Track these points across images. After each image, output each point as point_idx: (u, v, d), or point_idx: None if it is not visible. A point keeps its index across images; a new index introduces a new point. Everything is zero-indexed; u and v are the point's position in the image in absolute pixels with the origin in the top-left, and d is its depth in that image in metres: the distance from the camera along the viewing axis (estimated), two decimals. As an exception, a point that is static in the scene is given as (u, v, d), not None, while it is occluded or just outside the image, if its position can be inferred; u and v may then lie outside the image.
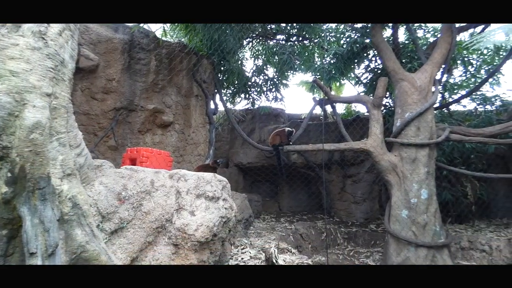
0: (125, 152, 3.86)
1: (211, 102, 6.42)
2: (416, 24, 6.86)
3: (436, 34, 6.89)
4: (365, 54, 6.78)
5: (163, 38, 5.41)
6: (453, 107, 7.09)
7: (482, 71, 6.90)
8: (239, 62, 7.40)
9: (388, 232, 4.63)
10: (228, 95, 7.92)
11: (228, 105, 8.11)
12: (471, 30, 6.19)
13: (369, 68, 7.05)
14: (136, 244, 2.58)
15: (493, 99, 6.87)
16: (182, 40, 6.08)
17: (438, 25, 6.73)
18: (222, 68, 6.88)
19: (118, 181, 2.68)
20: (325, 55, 6.72)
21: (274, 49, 7.56)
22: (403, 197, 4.56)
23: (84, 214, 2.13)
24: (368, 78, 7.06)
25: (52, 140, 1.98)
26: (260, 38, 7.70)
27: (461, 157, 6.41)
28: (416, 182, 4.52)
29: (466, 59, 6.79)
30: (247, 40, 7.49)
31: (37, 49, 1.84)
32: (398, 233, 4.46)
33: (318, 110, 8.42)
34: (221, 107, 7.10)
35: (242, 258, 3.65)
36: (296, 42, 7.89)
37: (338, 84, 8.69)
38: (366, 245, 6.21)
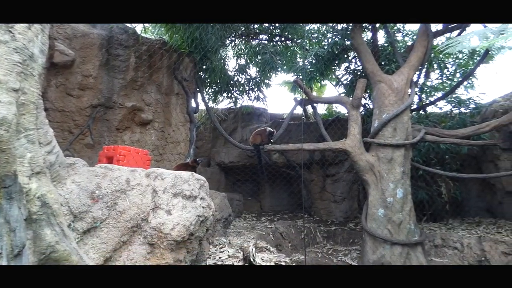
0: (101, 150, 3.78)
1: (192, 101, 6.37)
2: (394, 27, 7.05)
3: (413, 37, 7.08)
4: (345, 56, 6.90)
5: (143, 35, 5.33)
6: (430, 109, 7.32)
7: (457, 75, 7.16)
8: (222, 61, 7.38)
9: (365, 230, 4.74)
10: (210, 93, 7.89)
11: (210, 103, 8.07)
12: (447, 34, 6.41)
13: (349, 70, 7.18)
14: (110, 243, 2.53)
15: (467, 102, 7.14)
16: (163, 37, 6.00)
17: (415, 29, 6.92)
18: (204, 67, 6.84)
19: (92, 180, 2.63)
20: (307, 56, 6.80)
21: (257, 49, 7.58)
22: (379, 196, 4.68)
23: (54, 214, 2.07)
24: (348, 80, 7.20)
25: (19, 137, 1.91)
26: (243, 37, 7.71)
27: (436, 157, 6.63)
28: (392, 181, 4.65)
29: (442, 62, 7.03)
30: (229, 39, 7.47)
31: (3, 42, 1.78)
32: (374, 232, 4.57)
33: (300, 110, 8.51)
34: (202, 106, 7.06)
35: (220, 257, 3.65)
36: (278, 42, 7.94)
37: (319, 85, 8.81)
38: (344, 243, 6.32)
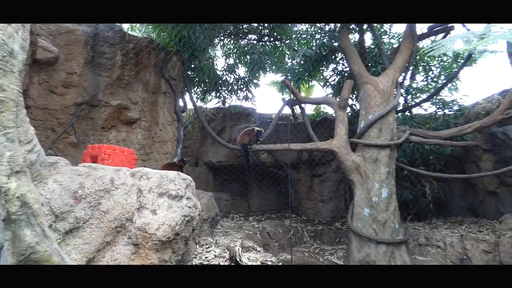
0: (85, 149, 3.71)
1: (180, 100, 6.32)
2: (381, 30, 7.15)
3: (399, 39, 7.21)
4: (333, 57, 6.96)
5: (130, 32, 5.26)
6: (415, 110, 7.47)
7: (442, 77, 7.32)
8: (210, 60, 7.35)
9: (351, 229, 4.80)
10: (199, 93, 7.84)
11: (199, 103, 8.03)
12: (432, 37, 6.54)
13: (337, 71, 7.26)
14: (92, 244, 2.49)
15: (451, 104, 7.31)
16: (151, 35, 5.93)
17: (401, 31, 7.05)
18: (192, 66, 6.79)
19: (75, 179, 2.58)
20: (295, 57, 6.84)
21: (246, 49, 7.58)
22: (365, 196, 4.74)
23: (35, 214, 2.02)
24: (336, 80, 7.27)
25: (-2, 135, 1.86)
26: (232, 37, 7.69)
27: (421, 158, 6.77)
28: (377, 181, 4.72)
29: (427, 65, 7.18)
30: (218, 38, 7.45)
31: (-19, 38, 1.73)
32: (359, 231, 4.63)
33: (289, 110, 8.55)
34: (190, 105, 7.01)
35: (206, 257, 3.63)
36: (267, 42, 7.95)
37: (307, 85, 8.86)
38: (331, 242, 6.39)
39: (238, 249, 3.51)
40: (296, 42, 7.74)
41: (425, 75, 7.30)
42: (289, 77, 6.61)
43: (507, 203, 6.62)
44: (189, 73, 6.88)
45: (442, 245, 5.32)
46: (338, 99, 5.69)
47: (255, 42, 7.77)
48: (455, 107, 7.25)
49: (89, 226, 2.52)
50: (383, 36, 7.31)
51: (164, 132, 5.74)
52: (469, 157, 7.34)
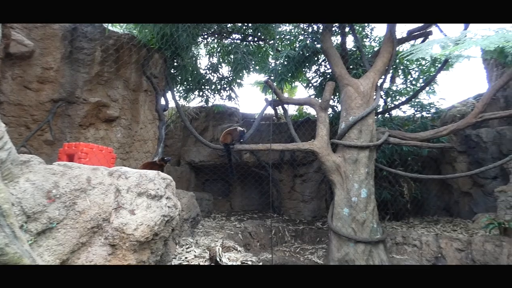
0: (62, 147, 3.60)
1: (162, 98, 6.23)
2: (363, 33, 7.30)
3: (380, 43, 7.38)
4: (315, 59, 7.04)
5: (110, 28, 5.13)
6: (394, 113, 7.66)
7: (420, 80, 7.54)
8: (193, 58, 7.28)
9: (331, 229, 4.87)
10: (181, 91, 7.76)
11: (181, 102, 7.94)
12: (412, 42, 6.72)
13: (319, 72, 7.34)
14: (67, 245, 2.42)
15: (428, 107, 7.54)
16: (133, 31, 5.82)
17: (382, 35, 7.21)
18: (174, 64, 6.71)
19: (49, 178, 2.50)
20: (278, 57, 6.87)
21: (229, 48, 7.55)
22: (344, 196, 4.82)
23: (4, 214, 1.94)
24: (318, 82, 7.36)
25: (-35, 132, 1.78)
26: (216, 36, 7.65)
27: (399, 159, 6.95)
28: (356, 181, 4.81)
29: (406, 68, 7.37)
30: (202, 37, 7.39)
31: None
32: (339, 230, 4.71)
33: (272, 111, 8.58)
34: (173, 104, 6.92)
35: (186, 258, 3.60)
36: (251, 42, 7.95)
37: (291, 86, 8.93)
38: (312, 242, 6.46)
39: (219, 249, 3.50)
40: (279, 43, 7.78)
41: (404, 78, 7.50)
42: (272, 78, 6.63)
43: (480, 203, 6.90)
44: (172, 71, 6.79)
45: (418, 244, 5.47)
46: (320, 100, 5.76)
47: (238, 41, 7.76)
48: (433, 110, 7.49)
49: (63, 227, 2.45)
50: (364, 39, 7.46)
51: (144, 130, 5.64)
52: (445, 158, 7.60)
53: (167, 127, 7.45)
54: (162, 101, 6.39)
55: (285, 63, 6.79)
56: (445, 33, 6.04)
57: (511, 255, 4.35)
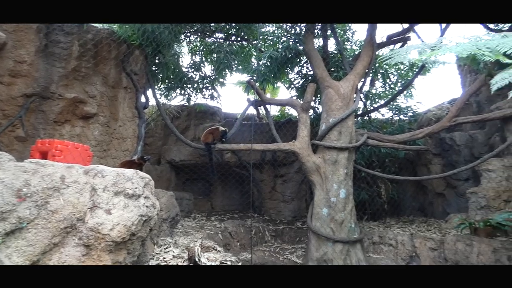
0: (34, 144, 3.46)
1: (142, 96, 6.10)
2: (344, 36, 7.43)
3: (361, 47, 7.53)
4: (298, 60, 7.11)
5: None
6: (373, 115, 7.84)
7: (399, 84, 7.76)
8: (175, 56, 7.18)
9: (310, 229, 4.92)
10: (163, 89, 7.63)
11: (162, 100, 7.82)
12: (391, 46, 6.90)
13: (301, 74, 7.42)
14: (38, 246, 2.33)
15: (406, 110, 7.76)
16: (112, 26, 5.67)
17: (363, 39, 7.37)
18: (156, 61, 6.59)
19: (19, 176, 2.39)
20: (261, 58, 6.89)
21: (212, 47, 7.50)
22: (323, 196, 4.89)
23: (-31, 213, 1.85)
24: (300, 83, 7.43)
25: None
26: (199, 34, 7.57)
27: (377, 160, 7.12)
28: (336, 182, 4.89)
29: (385, 72, 7.56)
30: (184, 34, 7.30)
31: None
32: (318, 230, 4.77)
33: (254, 111, 8.59)
34: (153, 102, 6.80)
35: (164, 258, 3.54)
36: (234, 42, 7.93)
37: (273, 87, 8.97)
38: (291, 242, 6.51)
39: (198, 249, 3.46)
40: (262, 43, 7.80)
41: (383, 82, 7.70)
42: (255, 78, 6.64)
43: (452, 203, 7.17)
44: (153, 69, 6.67)
45: (394, 243, 5.63)
46: (301, 102, 5.81)
47: (222, 40, 7.72)
48: (410, 113, 7.72)
49: (34, 227, 2.35)
50: (345, 43, 7.59)
51: (123, 128, 5.51)
52: (420, 160, 7.85)
53: (147, 125, 7.31)
54: (143, 99, 6.27)
55: (268, 63, 6.82)
56: (422, 39, 6.25)
57: (481, 254, 4.54)
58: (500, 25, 5.79)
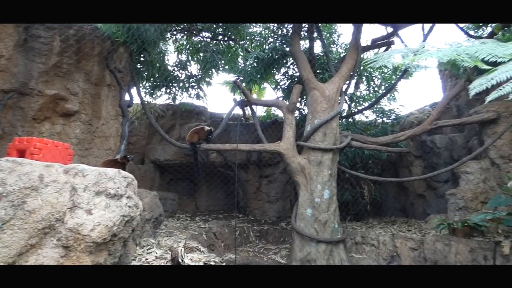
0: (12, 142, 3.34)
1: (126, 94, 5.99)
2: (330, 39, 7.52)
3: (346, 49, 7.64)
4: (284, 61, 7.15)
5: (71, 17, 4.85)
6: (357, 117, 7.96)
7: (382, 87, 7.91)
8: (161, 54, 7.09)
9: (294, 229, 4.95)
10: (148, 87, 7.53)
11: (147, 98, 7.70)
12: (376, 50, 7.02)
13: (287, 75, 7.46)
14: (13, 247, 2.26)
15: (389, 113, 7.92)
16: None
17: (348, 42, 7.48)
18: (141, 59, 6.49)
19: (-5, 175, 2.31)
20: (248, 58, 6.89)
21: (199, 46, 7.45)
22: (308, 197, 4.94)
23: None
24: (286, 84, 7.47)
25: None
26: (185, 33, 7.50)
27: (361, 162, 7.23)
28: (320, 183, 4.94)
29: (370, 75, 7.70)
30: (170, 33, 7.21)
31: None
32: (302, 230, 4.81)
33: (240, 111, 8.57)
34: (138, 100, 6.69)
35: (146, 259, 3.49)
36: (221, 42, 7.89)
37: (259, 87, 8.98)
38: (276, 242, 6.54)
39: (181, 249, 3.43)
40: (249, 44, 7.80)
41: (367, 85, 7.83)
42: (241, 78, 6.63)
43: (432, 204, 7.36)
44: (138, 66, 6.57)
45: (376, 243, 5.73)
46: (287, 103, 5.84)
47: (208, 40, 7.67)
48: (393, 116, 7.89)
49: (10, 227, 2.28)
50: (331, 45, 7.69)
51: (106, 127, 5.40)
52: (402, 162, 8.03)
53: (131, 124, 7.18)
54: (127, 97, 6.15)
55: (255, 64, 6.83)
56: (405, 43, 6.39)
57: (458, 254, 4.68)
58: (480, 32, 5.99)
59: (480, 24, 5.81)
